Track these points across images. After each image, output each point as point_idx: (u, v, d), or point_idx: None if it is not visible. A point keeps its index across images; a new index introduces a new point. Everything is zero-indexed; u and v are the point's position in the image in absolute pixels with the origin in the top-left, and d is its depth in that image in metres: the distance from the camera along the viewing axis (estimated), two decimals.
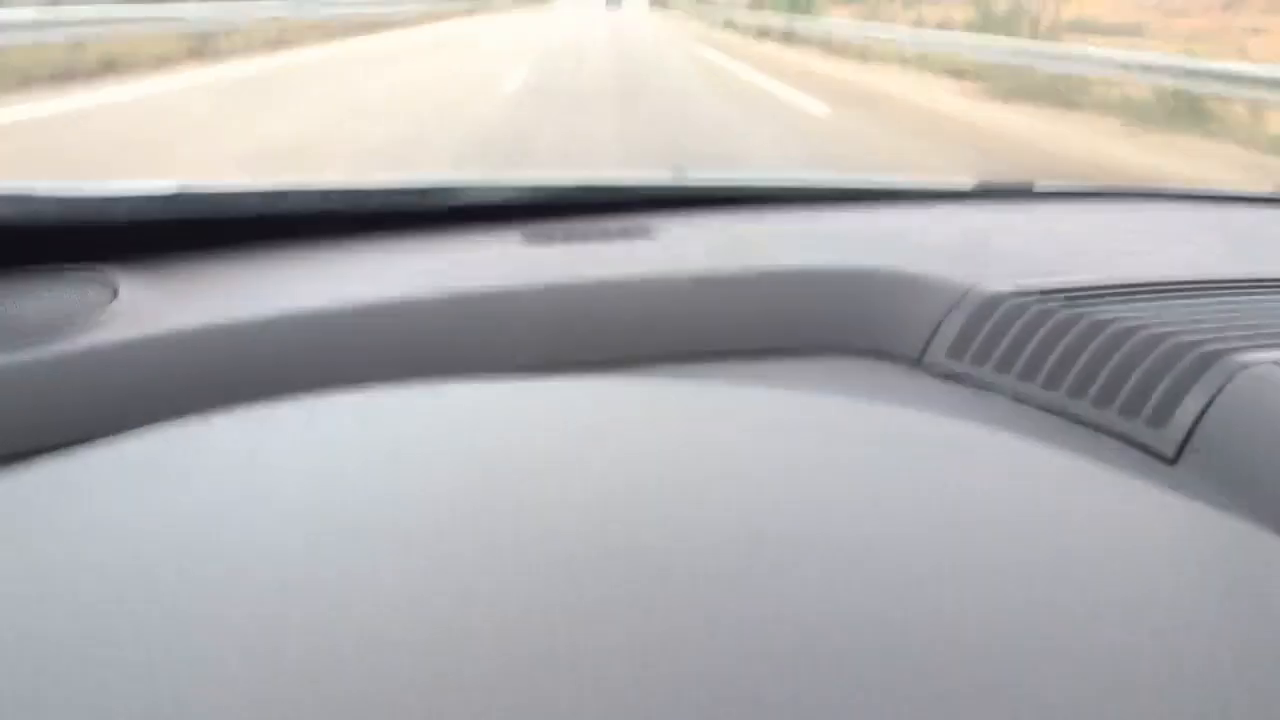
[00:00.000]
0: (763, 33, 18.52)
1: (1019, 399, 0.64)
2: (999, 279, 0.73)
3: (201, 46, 9.87)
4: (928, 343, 0.72)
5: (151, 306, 0.66)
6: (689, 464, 0.38)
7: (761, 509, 0.34)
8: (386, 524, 0.33)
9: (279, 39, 11.97)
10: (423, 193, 0.91)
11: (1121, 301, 0.69)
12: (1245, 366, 0.57)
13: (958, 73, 10.59)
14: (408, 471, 0.37)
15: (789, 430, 0.42)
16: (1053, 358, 0.64)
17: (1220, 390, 0.56)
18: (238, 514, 0.33)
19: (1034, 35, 11.42)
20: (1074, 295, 0.69)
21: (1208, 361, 0.58)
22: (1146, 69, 7.76)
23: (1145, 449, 0.57)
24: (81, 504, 0.34)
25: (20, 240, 0.71)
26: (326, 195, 0.88)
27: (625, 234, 0.87)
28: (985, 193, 1.13)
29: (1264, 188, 2.48)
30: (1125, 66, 8.00)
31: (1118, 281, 0.72)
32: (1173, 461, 0.56)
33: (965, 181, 1.14)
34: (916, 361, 0.72)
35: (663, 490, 0.36)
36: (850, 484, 0.37)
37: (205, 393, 0.59)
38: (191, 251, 0.76)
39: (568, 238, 0.86)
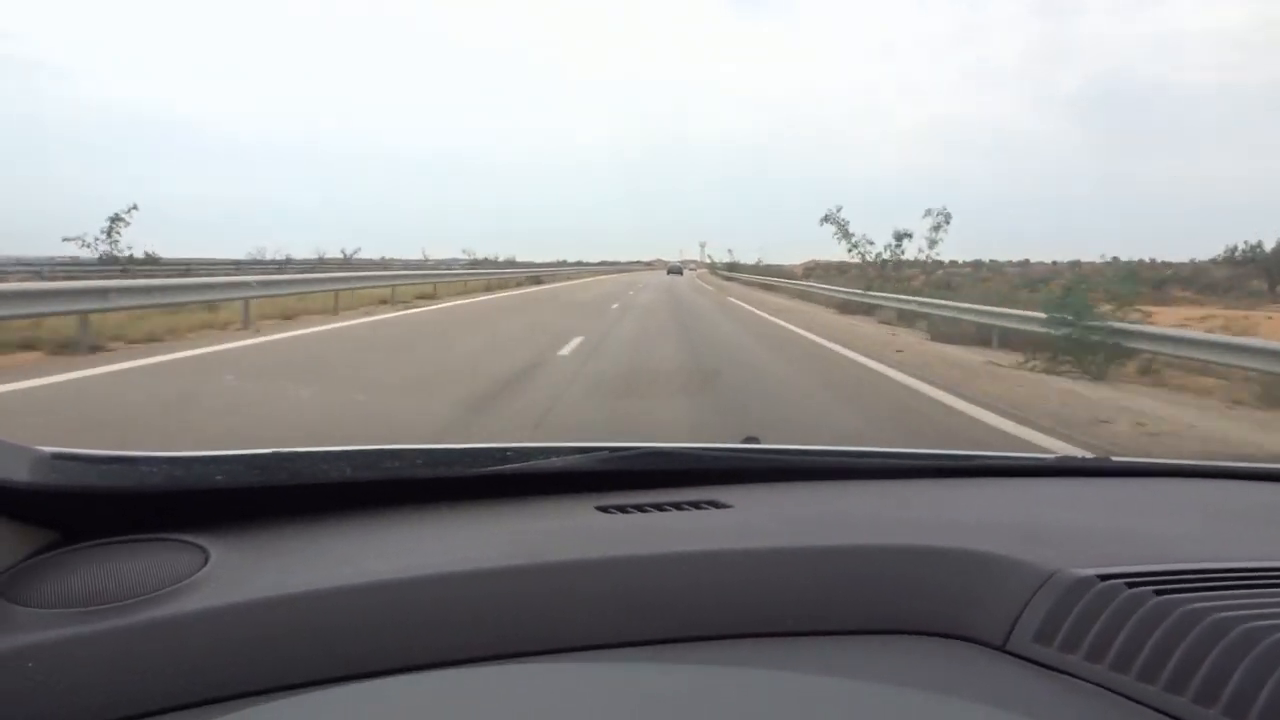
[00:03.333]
0: (726, 277, 54.25)
1: (1113, 690, 0.62)
2: (1083, 561, 0.72)
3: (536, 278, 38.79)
4: (1012, 626, 0.69)
5: (239, 573, 0.68)
6: None
7: None
8: None
9: (538, 277, 40.22)
10: (502, 455, 0.93)
11: (1212, 589, 0.67)
12: None
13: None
14: None
15: None
16: (1147, 648, 0.62)
17: None
18: None
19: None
20: (1164, 582, 0.68)
21: None
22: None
23: None
24: None
25: (127, 506, 0.76)
26: (412, 460, 0.91)
27: (698, 506, 0.88)
28: (1061, 468, 1.16)
29: None
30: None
31: (1205, 567, 0.71)
32: None
33: (1042, 456, 1.18)
34: (1001, 645, 0.69)
35: None
36: None
37: (283, 662, 0.62)
38: (280, 517, 0.81)
39: (641, 508, 0.86)
